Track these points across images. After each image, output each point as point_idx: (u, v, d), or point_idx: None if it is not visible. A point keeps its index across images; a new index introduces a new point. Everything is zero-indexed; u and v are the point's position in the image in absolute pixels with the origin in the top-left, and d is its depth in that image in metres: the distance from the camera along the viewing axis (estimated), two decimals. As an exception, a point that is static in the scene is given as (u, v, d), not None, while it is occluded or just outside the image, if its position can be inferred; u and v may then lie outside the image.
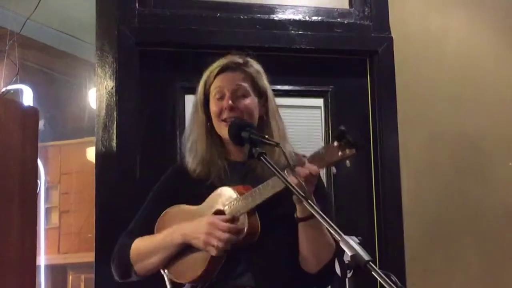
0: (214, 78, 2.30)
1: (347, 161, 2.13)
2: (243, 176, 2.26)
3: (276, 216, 2.17)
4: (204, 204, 2.23)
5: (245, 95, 2.29)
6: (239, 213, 2.15)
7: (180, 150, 2.42)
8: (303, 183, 2.05)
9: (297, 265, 2.25)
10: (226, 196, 2.20)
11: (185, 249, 2.18)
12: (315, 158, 2.11)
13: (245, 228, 2.13)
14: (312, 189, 2.11)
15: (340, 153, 2.05)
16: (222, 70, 2.30)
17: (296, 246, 2.23)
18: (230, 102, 2.25)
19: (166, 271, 2.23)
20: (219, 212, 2.20)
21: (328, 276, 2.25)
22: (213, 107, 2.29)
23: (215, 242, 2.10)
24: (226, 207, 2.18)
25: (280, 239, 2.21)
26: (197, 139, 2.31)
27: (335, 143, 2.10)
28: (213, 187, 2.24)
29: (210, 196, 2.23)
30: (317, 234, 2.17)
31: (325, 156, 2.11)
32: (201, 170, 2.27)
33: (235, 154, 2.31)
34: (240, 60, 2.33)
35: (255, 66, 2.36)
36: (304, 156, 2.14)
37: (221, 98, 2.27)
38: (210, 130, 2.31)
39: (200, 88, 2.34)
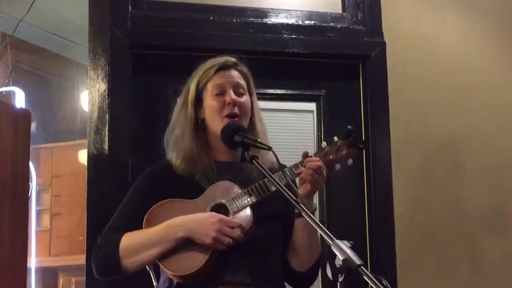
0: (213, 76, 2.31)
1: (350, 160, 2.21)
2: (231, 176, 2.26)
3: (266, 214, 2.20)
4: (201, 197, 2.22)
5: (243, 93, 2.32)
6: (242, 208, 2.16)
7: (163, 146, 2.40)
8: (312, 178, 2.13)
9: (285, 263, 2.30)
10: (226, 190, 2.20)
11: (182, 243, 2.15)
12: (320, 154, 2.18)
13: (251, 224, 2.14)
14: (323, 182, 2.18)
15: (345, 151, 2.16)
16: (221, 68, 2.32)
17: (283, 245, 2.28)
18: (234, 96, 2.28)
19: (160, 264, 2.17)
20: (219, 206, 2.20)
21: (314, 275, 2.34)
22: (213, 103, 2.29)
23: (225, 239, 2.09)
24: (227, 201, 2.19)
25: (270, 237, 2.25)
26: (183, 135, 2.30)
27: (341, 141, 2.18)
28: (199, 185, 2.24)
29: (208, 189, 2.23)
30: (312, 231, 2.21)
31: (329, 152, 2.19)
32: (186, 166, 2.26)
33: (222, 154, 2.32)
34: (234, 60, 2.37)
35: (245, 67, 2.40)
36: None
37: (222, 94, 2.29)
38: (197, 128, 2.31)
39: (193, 85, 2.34)
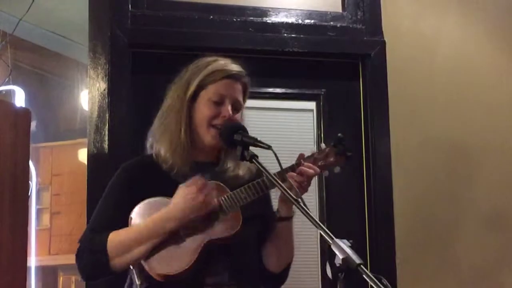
0: (219, 80, 2.27)
1: (338, 167, 2.22)
2: (210, 177, 2.23)
3: (249, 216, 2.19)
4: None
5: (238, 109, 2.31)
6: (231, 208, 2.16)
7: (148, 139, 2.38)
8: (299, 184, 2.14)
9: (261, 264, 2.31)
10: (216, 190, 2.19)
11: (170, 240, 2.12)
12: (309, 160, 2.19)
13: (240, 224, 2.14)
14: (307, 188, 2.18)
15: (333, 158, 2.17)
16: (229, 76, 2.29)
17: (260, 247, 2.30)
18: (231, 112, 2.26)
19: (145, 263, 2.12)
20: None
21: (286, 277, 2.37)
22: (206, 110, 2.26)
23: (206, 194, 2.10)
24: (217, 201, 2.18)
25: (253, 238, 2.26)
26: (180, 129, 2.26)
27: (330, 148, 2.20)
28: (178, 184, 2.19)
29: None
30: (290, 234, 2.27)
31: (318, 158, 2.20)
32: (172, 161, 2.23)
33: (203, 155, 2.30)
34: (241, 70, 2.32)
35: (247, 78, 2.36)
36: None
37: (218, 104, 2.26)
38: (186, 126, 2.27)
39: (196, 81, 2.29)
